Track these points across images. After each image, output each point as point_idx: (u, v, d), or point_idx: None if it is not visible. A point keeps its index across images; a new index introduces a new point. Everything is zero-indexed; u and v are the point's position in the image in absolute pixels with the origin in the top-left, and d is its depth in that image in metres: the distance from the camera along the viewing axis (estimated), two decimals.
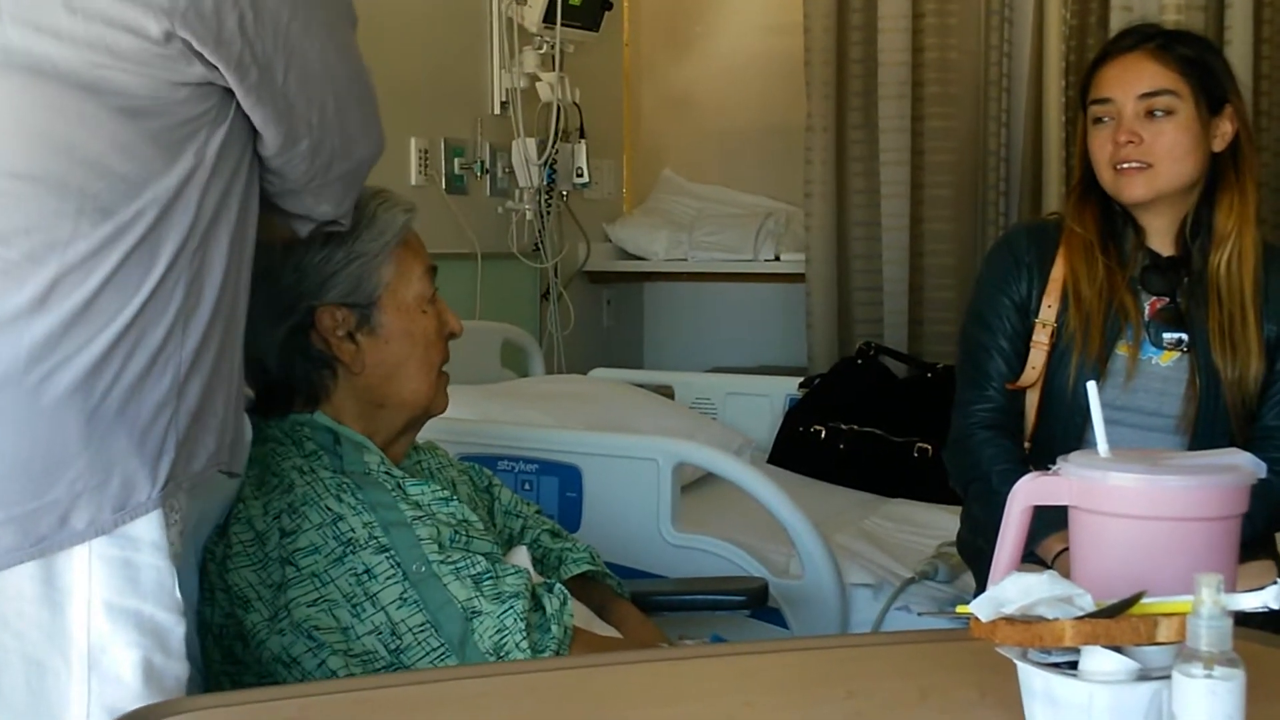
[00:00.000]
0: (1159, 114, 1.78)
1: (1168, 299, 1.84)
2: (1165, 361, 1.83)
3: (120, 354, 1.06)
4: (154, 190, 1.08)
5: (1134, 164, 1.78)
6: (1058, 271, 1.86)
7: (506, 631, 1.31)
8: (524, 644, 1.30)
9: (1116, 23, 2.91)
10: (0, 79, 1.06)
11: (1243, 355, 1.78)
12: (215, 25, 1.08)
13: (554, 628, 1.34)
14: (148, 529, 1.08)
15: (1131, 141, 1.77)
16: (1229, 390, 1.79)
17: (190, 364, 1.11)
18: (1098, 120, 1.81)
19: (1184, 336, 1.82)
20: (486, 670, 1.21)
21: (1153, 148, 1.77)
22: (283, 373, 1.42)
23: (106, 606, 1.06)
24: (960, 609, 0.92)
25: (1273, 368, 1.81)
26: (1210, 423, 1.80)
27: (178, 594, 1.10)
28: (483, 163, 3.31)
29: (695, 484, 2.56)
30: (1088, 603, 0.87)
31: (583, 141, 3.49)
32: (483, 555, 1.37)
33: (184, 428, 1.11)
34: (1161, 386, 1.82)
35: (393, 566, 1.32)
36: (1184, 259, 1.84)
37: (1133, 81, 1.78)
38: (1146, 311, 1.84)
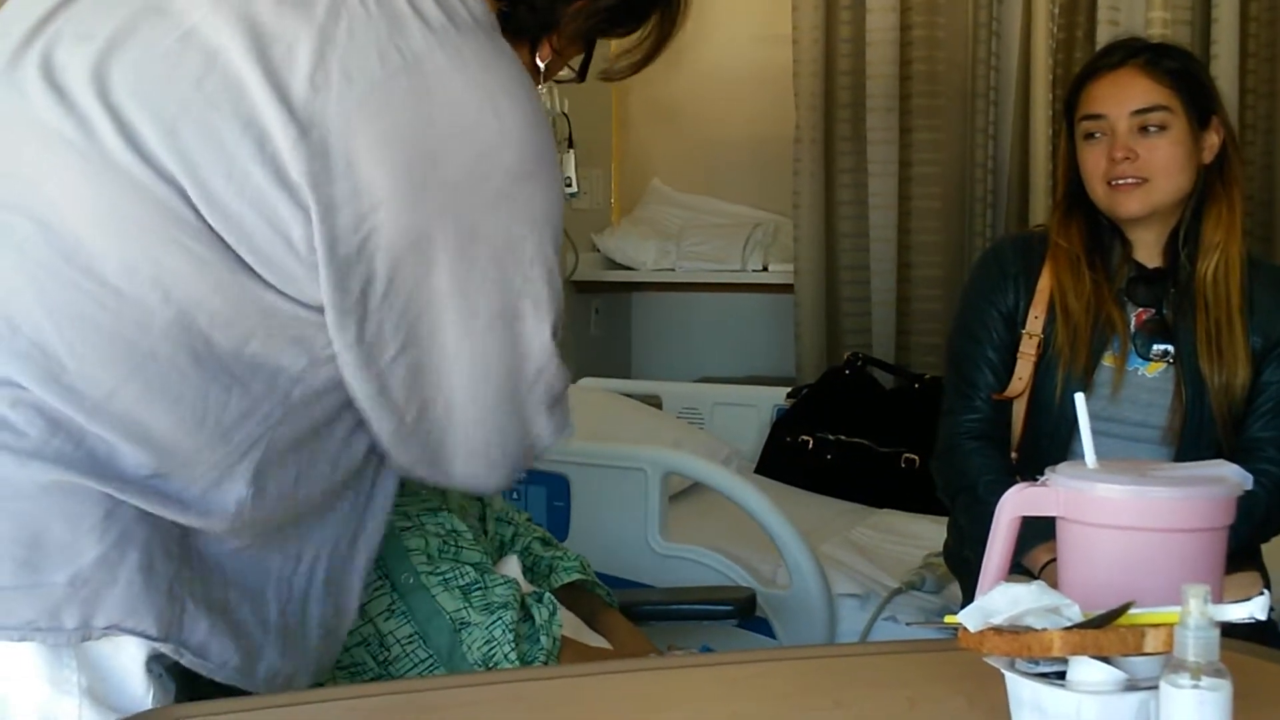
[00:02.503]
0: (1153, 129, 1.79)
1: (1154, 310, 1.85)
2: (1151, 373, 1.84)
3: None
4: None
5: (1130, 180, 1.79)
6: (1044, 283, 1.87)
7: (495, 642, 1.30)
8: (512, 654, 1.30)
9: (1103, 36, 2.93)
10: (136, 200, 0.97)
11: (1229, 363, 1.79)
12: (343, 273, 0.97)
13: (543, 638, 1.34)
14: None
15: (1127, 158, 1.78)
16: (1215, 399, 1.80)
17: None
18: (1089, 136, 1.82)
19: (1170, 348, 1.83)
20: (475, 679, 1.20)
21: (1149, 163, 1.78)
22: None
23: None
24: (948, 619, 0.92)
25: (1259, 378, 1.82)
26: (1196, 434, 1.81)
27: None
28: None
29: (683, 493, 2.56)
30: (1076, 613, 0.87)
31: (571, 151, 3.47)
32: (471, 566, 1.36)
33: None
34: (1148, 398, 1.83)
35: (381, 577, 1.32)
36: (1170, 271, 1.85)
37: (1125, 98, 1.79)
38: (1133, 323, 1.85)
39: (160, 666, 1.02)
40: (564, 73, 1.23)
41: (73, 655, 0.97)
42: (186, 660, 1.01)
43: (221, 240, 0.97)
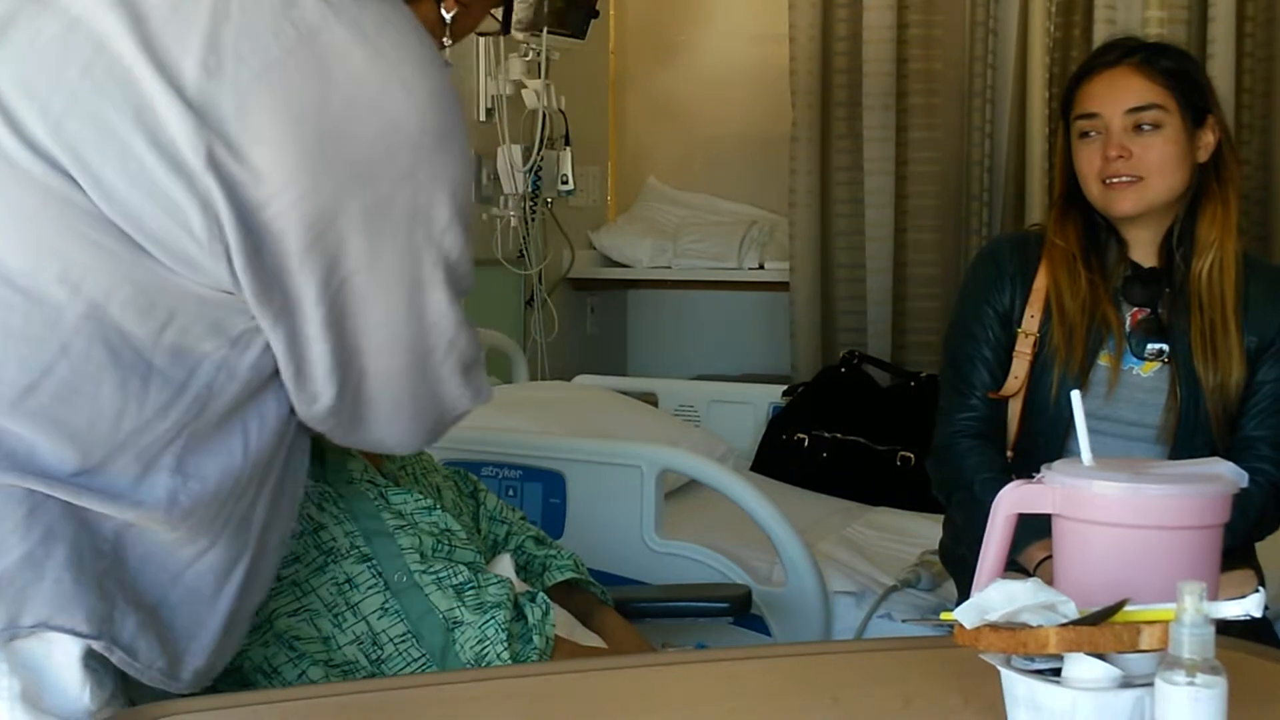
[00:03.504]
0: (1147, 128, 1.79)
1: (1149, 310, 1.85)
2: (1146, 372, 1.84)
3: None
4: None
5: (1124, 178, 1.79)
6: (1040, 282, 1.87)
7: (488, 642, 1.30)
8: (505, 654, 1.30)
9: (1100, 35, 2.92)
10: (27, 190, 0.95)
11: (1224, 362, 1.80)
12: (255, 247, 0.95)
13: (536, 638, 1.34)
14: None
15: (1121, 156, 1.78)
16: (1210, 398, 1.80)
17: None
18: (1084, 134, 1.83)
19: (1165, 347, 1.83)
20: (468, 676, 1.20)
21: (1143, 161, 1.78)
22: None
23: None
24: (944, 616, 0.92)
25: (1253, 377, 1.82)
26: (1190, 433, 1.81)
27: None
28: None
29: (679, 491, 2.56)
30: (1071, 610, 0.87)
31: (568, 149, 3.49)
32: (465, 565, 1.36)
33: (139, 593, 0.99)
34: (1143, 397, 1.83)
35: (374, 576, 1.32)
36: (1166, 270, 1.85)
37: (1120, 96, 1.79)
38: (1128, 322, 1.85)
39: (96, 663, 0.99)
40: (487, 24, 1.20)
41: (3, 658, 0.94)
42: (117, 658, 0.98)
43: (122, 229, 0.95)
